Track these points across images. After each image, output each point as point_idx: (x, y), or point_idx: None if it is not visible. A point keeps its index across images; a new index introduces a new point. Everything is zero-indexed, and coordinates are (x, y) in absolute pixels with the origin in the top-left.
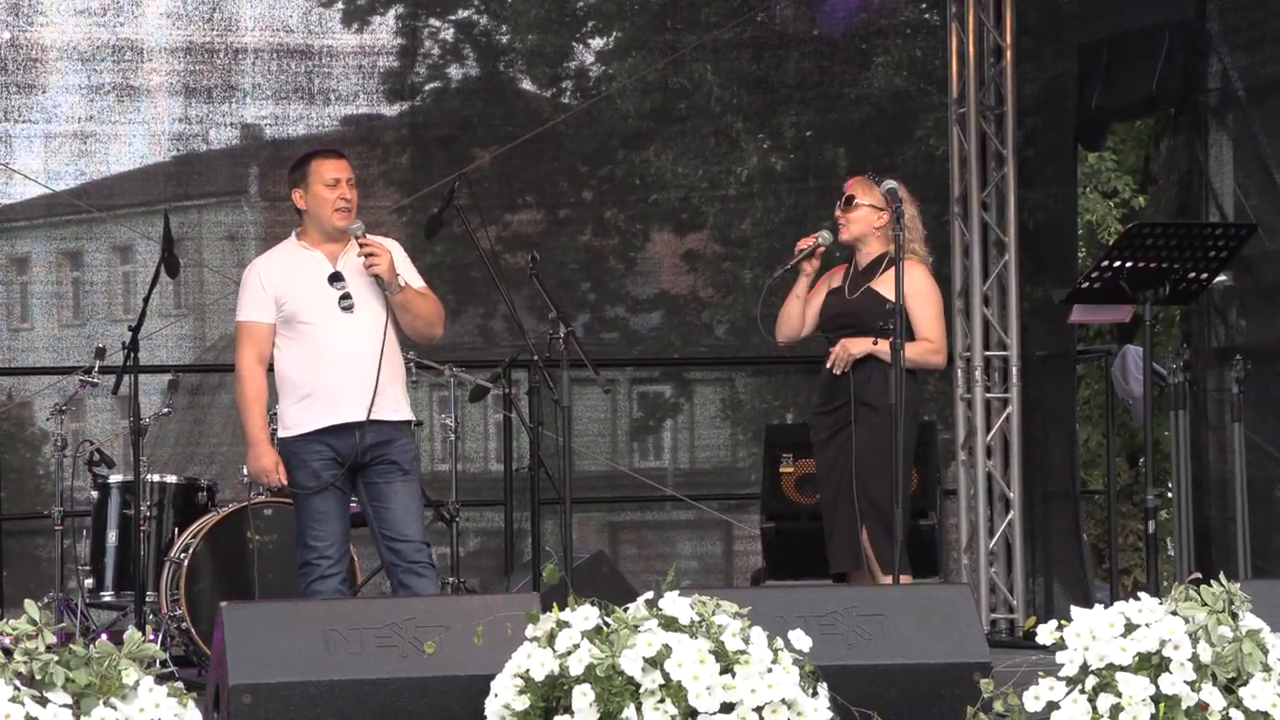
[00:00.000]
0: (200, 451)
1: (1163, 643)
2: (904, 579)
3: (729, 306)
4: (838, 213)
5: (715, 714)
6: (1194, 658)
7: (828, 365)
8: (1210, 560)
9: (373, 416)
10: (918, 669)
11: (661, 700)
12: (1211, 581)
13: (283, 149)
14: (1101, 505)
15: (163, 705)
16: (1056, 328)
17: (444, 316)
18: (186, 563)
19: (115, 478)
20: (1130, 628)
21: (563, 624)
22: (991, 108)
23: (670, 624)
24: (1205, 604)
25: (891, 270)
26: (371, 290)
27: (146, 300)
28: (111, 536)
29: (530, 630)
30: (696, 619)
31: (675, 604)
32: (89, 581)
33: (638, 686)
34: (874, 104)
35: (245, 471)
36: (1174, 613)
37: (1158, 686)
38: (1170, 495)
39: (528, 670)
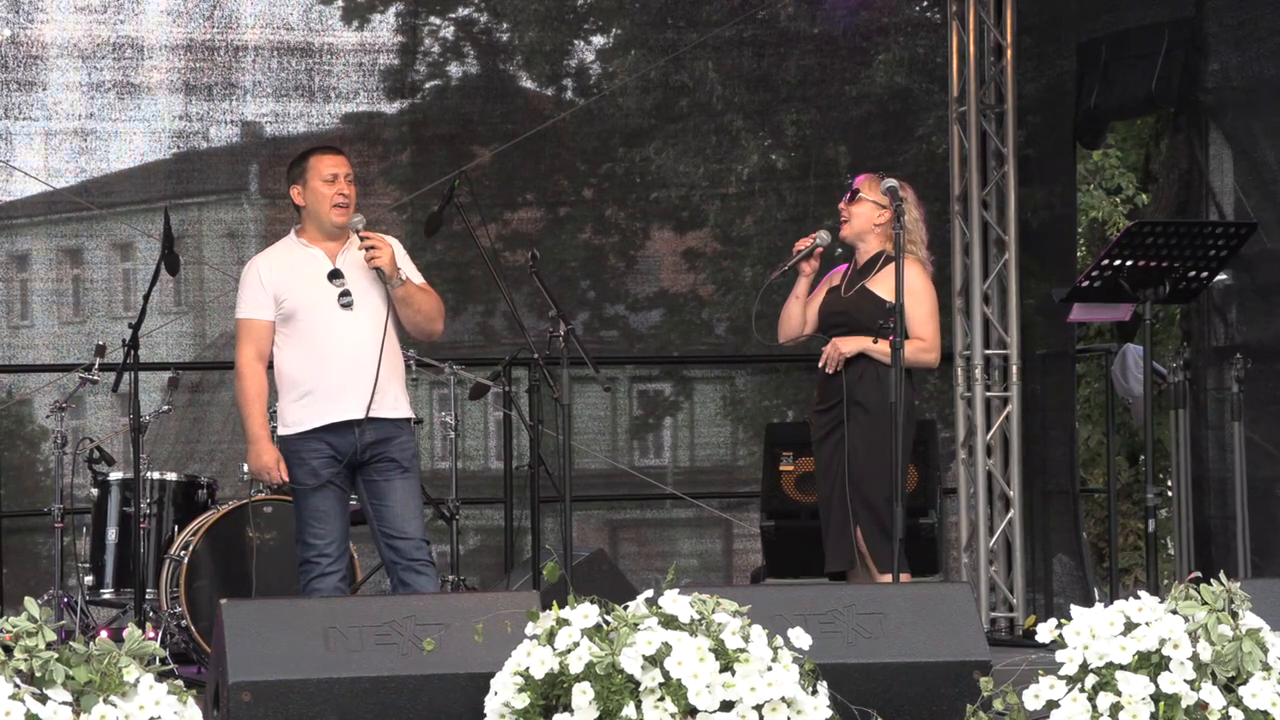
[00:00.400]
0: (200, 449)
1: (1162, 641)
2: (902, 577)
3: (729, 305)
4: (841, 205)
5: (715, 712)
6: (1194, 656)
7: (820, 364)
8: (1210, 559)
9: (372, 414)
10: (917, 667)
11: (661, 698)
12: (1211, 580)
13: (283, 146)
14: (1101, 504)
15: (163, 703)
16: (1056, 326)
17: (444, 312)
18: (186, 560)
19: (115, 475)
20: (1130, 626)
21: (562, 622)
22: (992, 106)
23: (670, 622)
24: (1205, 603)
25: (886, 269)
26: (371, 287)
27: (147, 298)
28: (111, 534)
29: (530, 628)
30: (696, 617)
31: (675, 602)
32: (89, 579)
33: (637, 685)
34: (875, 102)
35: (245, 469)
36: (1174, 611)
37: (1157, 685)
38: (1170, 494)
39: (527, 668)
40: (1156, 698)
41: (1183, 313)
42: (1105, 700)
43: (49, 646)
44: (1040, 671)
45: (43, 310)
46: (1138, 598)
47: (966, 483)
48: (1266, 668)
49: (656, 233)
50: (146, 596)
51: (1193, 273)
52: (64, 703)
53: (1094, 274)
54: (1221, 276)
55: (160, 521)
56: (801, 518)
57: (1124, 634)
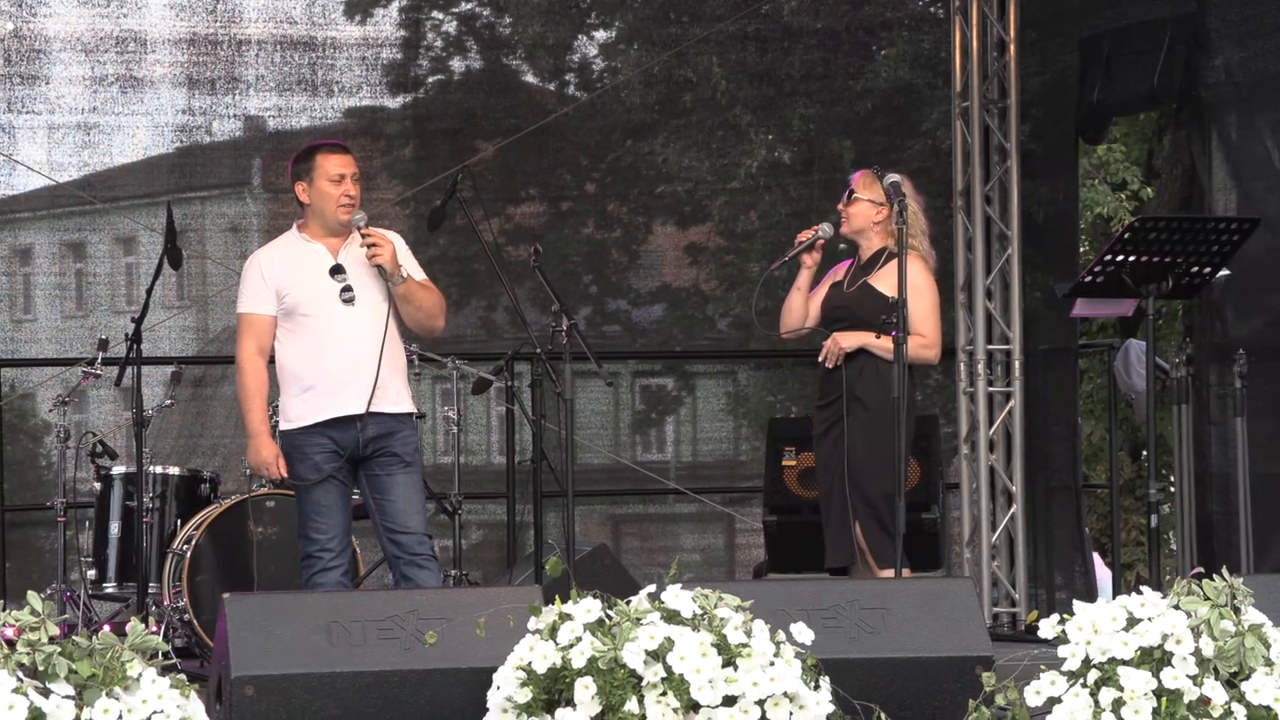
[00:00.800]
0: (203, 443)
1: (1165, 637)
2: (903, 573)
3: (732, 300)
4: (839, 206)
5: (717, 707)
6: (1196, 652)
7: (820, 359)
8: (1213, 554)
9: (373, 409)
10: (920, 662)
11: (663, 693)
12: (1214, 575)
13: (286, 141)
14: (1104, 499)
15: (165, 697)
16: (1059, 321)
17: (445, 308)
18: (189, 554)
19: (118, 469)
20: (1132, 622)
21: (565, 616)
22: (995, 101)
23: (672, 617)
24: (1207, 598)
25: (888, 265)
26: (372, 283)
27: (149, 292)
28: (114, 528)
29: (532, 623)
30: (699, 612)
31: (677, 597)
32: (91, 573)
33: (640, 679)
34: (879, 97)
35: (247, 464)
36: (1176, 607)
37: (1160, 681)
38: (1172, 489)
39: (530, 663)
40: (1159, 693)
41: (1185, 308)
42: (1108, 696)
43: (52, 640)
44: (1042, 667)
45: (45, 304)
46: (1140, 593)
47: (969, 478)
48: (1269, 663)
49: (659, 227)
50: (149, 591)
51: (1195, 268)
52: (67, 697)
53: (1097, 269)
54: (1224, 272)
55: (163, 516)
56: (804, 513)
57: (1126, 629)
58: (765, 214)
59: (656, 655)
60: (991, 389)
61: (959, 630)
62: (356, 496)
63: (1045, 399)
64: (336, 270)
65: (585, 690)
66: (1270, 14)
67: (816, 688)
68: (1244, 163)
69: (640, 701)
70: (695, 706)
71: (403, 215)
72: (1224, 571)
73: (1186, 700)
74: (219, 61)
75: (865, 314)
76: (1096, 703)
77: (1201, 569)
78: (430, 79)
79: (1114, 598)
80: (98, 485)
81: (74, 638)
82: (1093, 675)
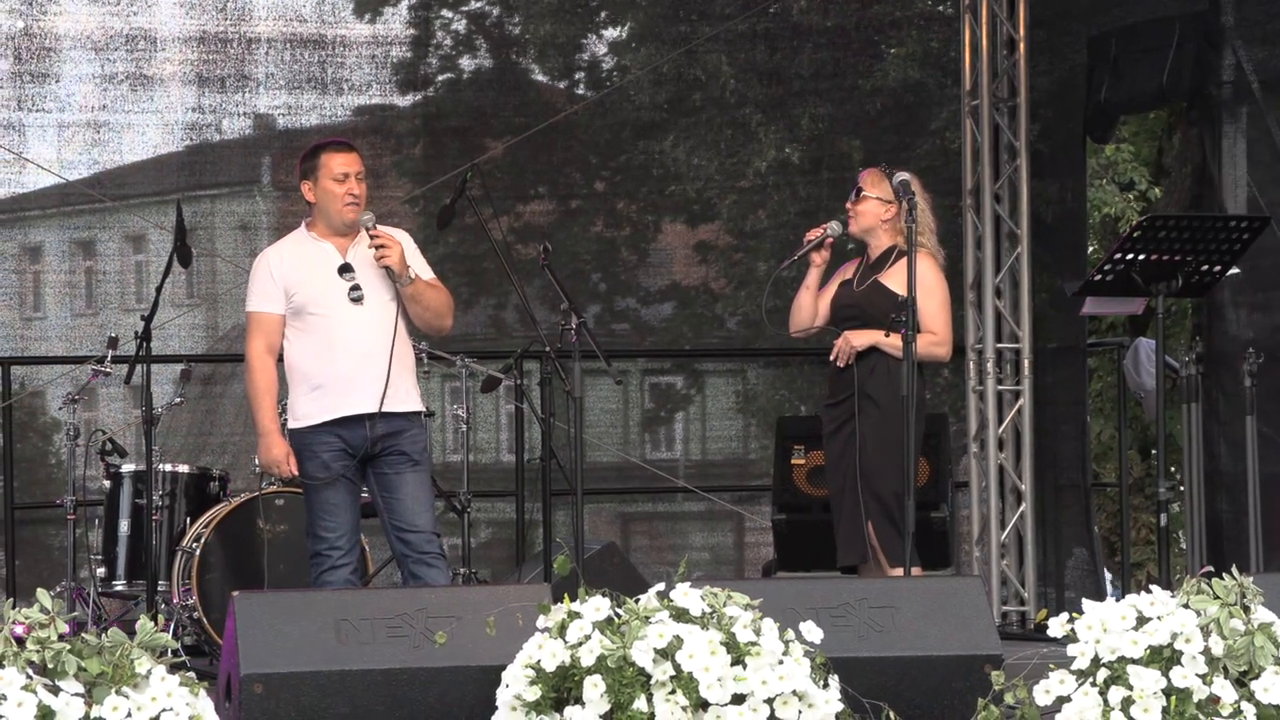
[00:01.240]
0: (212, 441)
1: (1174, 636)
2: (913, 572)
3: (741, 298)
4: (848, 204)
5: (726, 705)
6: (1205, 651)
7: (831, 357)
8: (1222, 553)
9: (383, 408)
10: (929, 661)
11: (673, 691)
12: (1223, 574)
13: (295, 139)
14: (1113, 498)
15: (174, 694)
16: (1068, 320)
17: (453, 308)
18: (198, 552)
19: (127, 467)
20: (1142, 621)
21: (574, 615)
22: (1004, 100)
23: (681, 615)
24: (1217, 597)
25: (898, 263)
26: (381, 282)
27: (159, 290)
28: (124, 526)
29: (541, 621)
30: (708, 610)
31: (686, 595)
32: (101, 571)
33: (649, 678)
34: (889, 95)
35: (257, 462)
36: (1186, 606)
37: (1169, 679)
38: (1182, 488)
39: (539, 661)
40: (1168, 692)
41: (1195, 307)
42: (1117, 694)
43: (61, 638)
44: (1052, 666)
45: (55, 302)
46: (1149, 592)
47: (978, 476)
48: (1278, 662)
49: (668, 226)
50: (158, 588)
51: (1205, 266)
52: (76, 694)
53: (1106, 268)
54: (1234, 270)
55: (172, 514)
56: (813, 511)
57: (1136, 628)
58: (774, 213)
59: (665, 653)
60: (1001, 387)
61: (968, 629)
62: (366, 495)
63: (1054, 397)
64: (345, 269)
65: (594, 688)
66: None
67: (825, 686)
68: (1255, 160)
69: (649, 700)
70: (704, 705)
71: (412, 213)
72: (1233, 570)
73: (1196, 699)
74: (229, 60)
75: (876, 312)
76: (1106, 701)
77: (1211, 568)
78: (440, 77)
79: (1111, 597)
80: (107, 483)
81: (83, 635)
82: (1102, 674)
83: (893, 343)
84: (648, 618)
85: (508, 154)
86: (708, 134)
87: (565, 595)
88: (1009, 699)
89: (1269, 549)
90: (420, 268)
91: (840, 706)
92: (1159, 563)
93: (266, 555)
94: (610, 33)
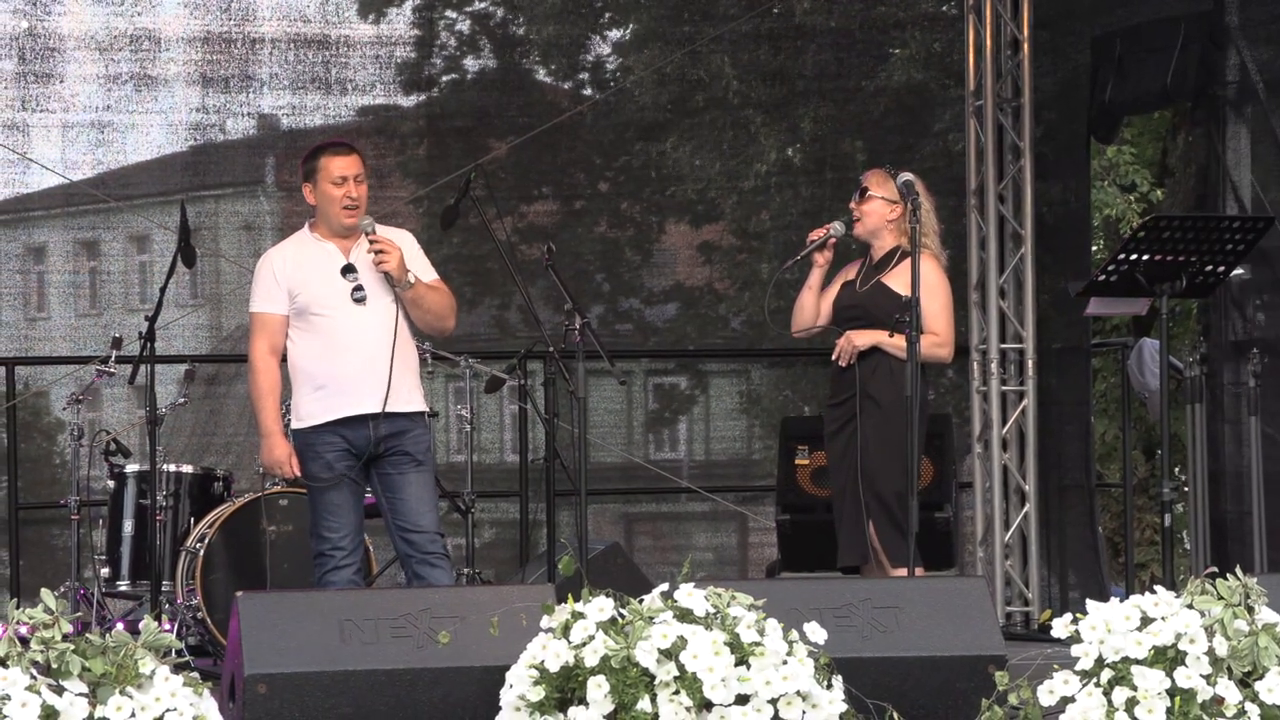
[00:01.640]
0: (216, 441)
1: (1178, 636)
2: (917, 571)
3: (745, 299)
4: (852, 204)
5: (730, 706)
6: (1210, 651)
7: (833, 357)
8: (1226, 554)
9: (386, 409)
10: (933, 661)
11: (676, 692)
12: (1227, 575)
13: (299, 139)
14: (1117, 499)
15: (178, 695)
16: (1072, 321)
17: (455, 310)
18: (202, 552)
19: (131, 467)
20: (1146, 621)
21: (578, 615)
22: (1008, 100)
23: (685, 616)
24: (1221, 597)
25: (902, 264)
26: (384, 282)
27: (163, 290)
28: (128, 526)
29: (545, 621)
30: (712, 611)
31: (690, 596)
32: (105, 571)
33: (652, 678)
34: (892, 96)
35: (259, 462)
36: (1190, 606)
37: (1173, 680)
38: (1186, 489)
39: (542, 661)
40: (1172, 692)
41: (1199, 307)
42: (1121, 695)
43: (65, 638)
44: (1056, 666)
45: (59, 302)
46: (1154, 592)
47: (982, 477)
48: None
49: (672, 226)
50: (162, 589)
51: (1210, 267)
52: (80, 694)
53: (1111, 268)
54: (1239, 271)
55: (176, 514)
56: (817, 511)
57: (1140, 629)
58: (777, 214)
59: (669, 654)
60: (1005, 388)
61: (972, 629)
62: (370, 495)
63: (1058, 398)
64: (348, 270)
65: (598, 689)
66: None
67: (829, 687)
68: (1260, 161)
69: (653, 700)
70: (708, 705)
71: (416, 214)
72: (1238, 571)
73: (1200, 700)
74: (233, 60)
75: (879, 313)
76: (1110, 702)
77: (1215, 568)
78: (444, 78)
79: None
80: (111, 483)
81: (87, 636)
82: (1106, 674)
83: (895, 343)
84: (651, 618)
85: (511, 154)
86: (711, 135)
87: (569, 595)
88: (1013, 699)
89: (1273, 549)
90: (423, 268)
91: (844, 707)
92: (1163, 563)
93: (270, 555)
94: (614, 33)
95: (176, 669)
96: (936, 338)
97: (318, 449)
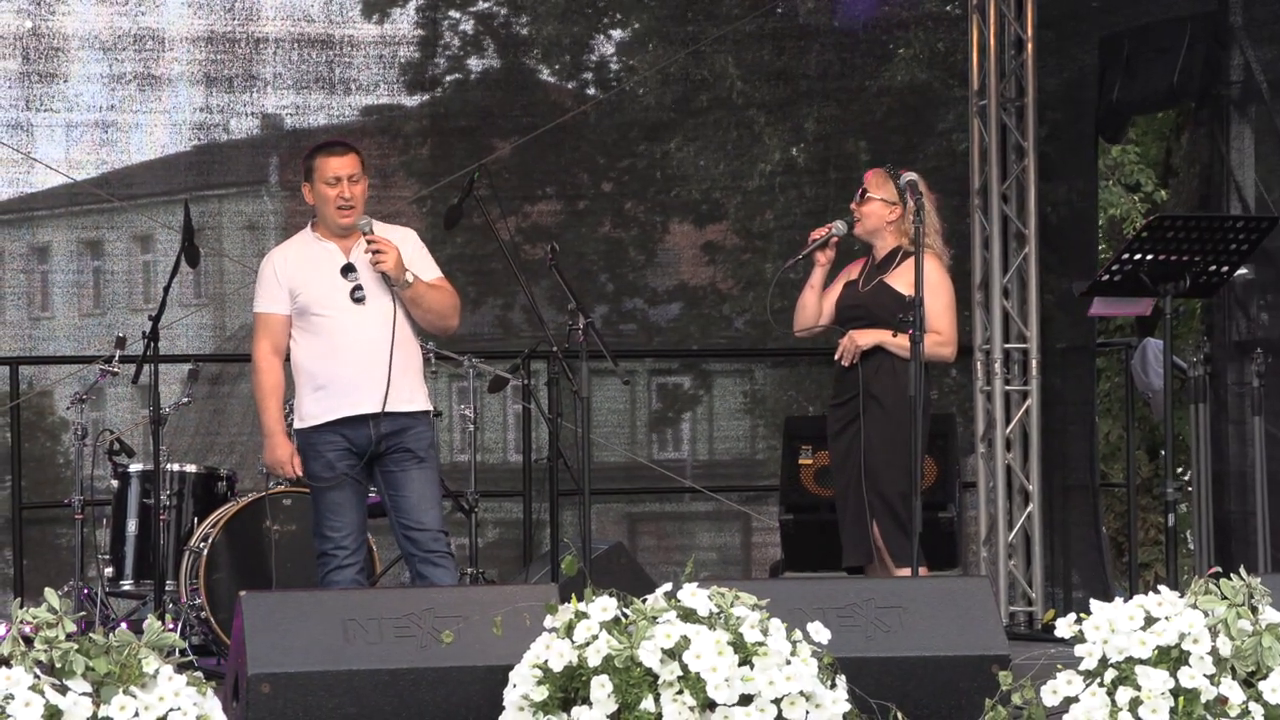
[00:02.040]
0: (220, 441)
1: (1182, 636)
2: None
3: (749, 299)
4: (853, 205)
5: (733, 705)
6: (1213, 651)
7: (836, 357)
8: (1230, 554)
9: (386, 409)
10: (936, 661)
11: (680, 692)
12: (1231, 575)
13: (303, 139)
14: (1121, 498)
15: (182, 694)
16: (1077, 320)
17: (459, 308)
18: (206, 552)
19: (135, 467)
20: (1149, 621)
21: (581, 615)
22: (1012, 100)
23: (689, 615)
24: (1225, 597)
25: (905, 264)
26: (384, 282)
27: (167, 290)
28: (131, 525)
29: (549, 621)
30: (715, 610)
31: (694, 595)
32: (109, 570)
33: (656, 678)
34: (895, 96)
35: (263, 462)
36: (1194, 606)
37: (1177, 680)
38: (1190, 489)
39: (546, 661)
40: (1176, 692)
41: (1203, 307)
42: (1124, 695)
43: (69, 638)
44: (1059, 666)
45: (63, 302)
46: (1158, 592)
47: (986, 477)
48: None
49: (675, 226)
50: (166, 588)
51: (1213, 267)
52: (83, 694)
53: (1114, 268)
54: (1242, 271)
55: (180, 513)
56: (820, 511)
57: (1144, 629)
58: (781, 213)
59: (673, 654)
60: (1009, 388)
61: (975, 629)
62: (375, 494)
63: (1062, 398)
64: (348, 269)
65: (601, 688)
66: None
67: (833, 686)
68: (1263, 161)
69: (656, 700)
70: (711, 705)
71: (419, 213)
72: (1241, 570)
73: (1204, 700)
74: (236, 60)
75: (882, 313)
76: (1113, 702)
77: (1219, 568)
78: (447, 78)
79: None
80: (115, 483)
81: (91, 635)
82: (1110, 674)
83: (898, 343)
84: (655, 618)
85: (515, 154)
86: (715, 135)
87: (572, 595)
88: (1016, 699)
89: (1277, 549)
90: (426, 267)
91: (847, 707)
92: (1167, 563)
93: (274, 555)
94: (617, 33)
95: (180, 668)
96: (939, 337)
97: (319, 448)
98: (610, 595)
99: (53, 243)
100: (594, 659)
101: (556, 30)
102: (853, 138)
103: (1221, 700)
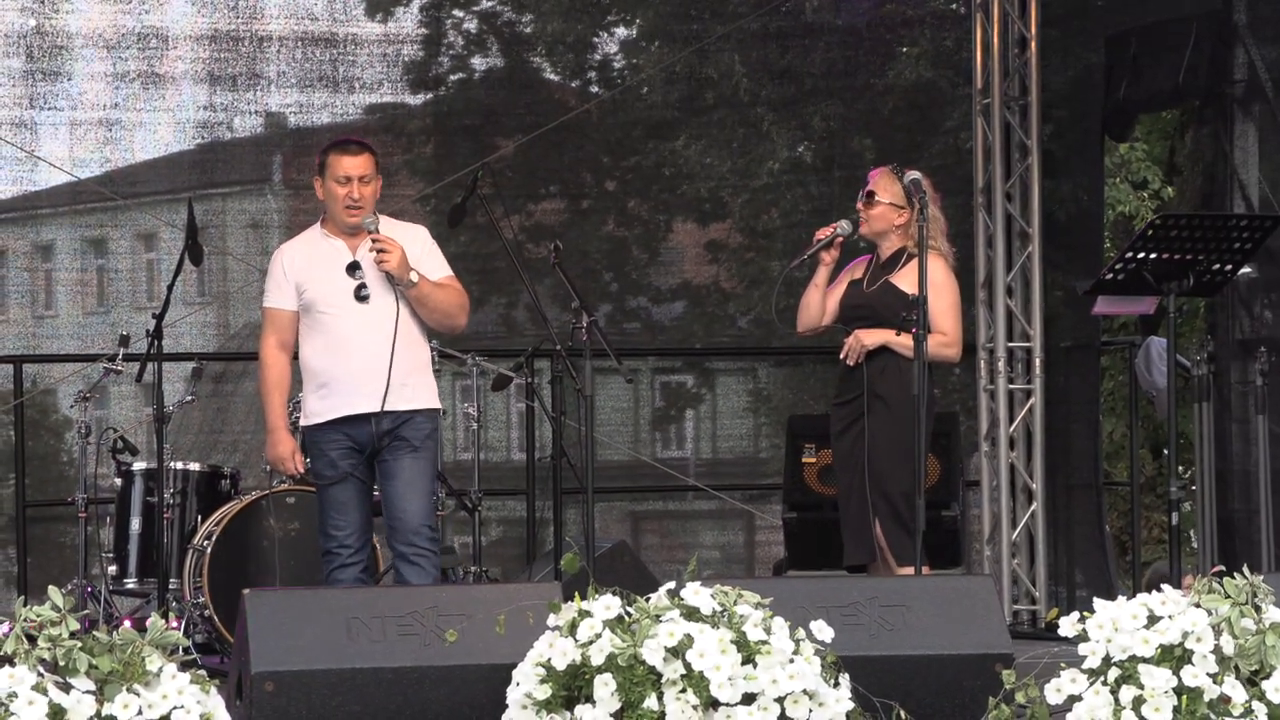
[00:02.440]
0: (223, 439)
1: (1185, 635)
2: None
3: (753, 298)
4: (859, 206)
5: (737, 704)
6: (1217, 650)
7: (841, 356)
8: (1233, 552)
9: (388, 408)
10: (940, 660)
11: (683, 690)
12: (1235, 573)
13: (307, 137)
14: (1125, 497)
15: (185, 692)
16: (1081, 319)
17: (466, 308)
18: (209, 550)
19: (139, 465)
20: (1153, 620)
21: (584, 613)
22: (1016, 98)
23: (692, 614)
24: (1228, 596)
25: (910, 263)
26: (389, 281)
27: (170, 288)
28: (135, 524)
29: (552, 619)
30: (718, 609)
31: (697, 594)
32: (112, 568)
33: (659, 676)
34: (900, 95)
35: (266, 458)
36: (1197, 605)
37: (1180, 679)
38: (1193, 487)
39: (549, 659)
40: (1179, 691)
41: (1207, 306)
42: (1128, 694)
43: (72, 636)
44: (1062, 665)
45: (67, 300)
46: (1161, 591)
47: (989, 475)
48: None
49: (679, 225)
50: (169, 586)
51: (1217, 265)
52: (87, 692)
53: (1118, 267)
54: (1246, 269)
55: (183, 511)
56: (824, 510)
57: (1147, 627)
58: (786, 212)
59: (676, 652)
60: (1012, 386)
61: (979, 628)
62: (378, 493)
63: (1066, 396)
64: (353, 267)
65: (604, 687)
66: None
67: (836, 685)
68: (1267, 160)
69: (659, 698)
70: (714, 704)
71: (423, 212)
72: (1245, 569)
73: (1207, 698)
74: (240, 58)
75: (887, 312)
76: (1117, 701)
77: (1222, 567)
78: (451, 76)
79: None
80: (119, 481)
81: (94, 633)
82: (1113, 673)
83: (903, 342)
84: (658, 616)
85: (519, 153)
86: (719, 133)
87: (576, 594)
88: (1020, 698)
89: None
90: (435, 265)
91: (851, 705)
92: (1170, 562)
93: (277, 553)
94: (621, 31)
95: (183, 666)
96: (944, 337)
97: (323, 446)
98: (613, 594)
99: (56, 241)
100: (597, 657)
101: (560, 28)
102: (858, 136)
103: (1224, 699)
